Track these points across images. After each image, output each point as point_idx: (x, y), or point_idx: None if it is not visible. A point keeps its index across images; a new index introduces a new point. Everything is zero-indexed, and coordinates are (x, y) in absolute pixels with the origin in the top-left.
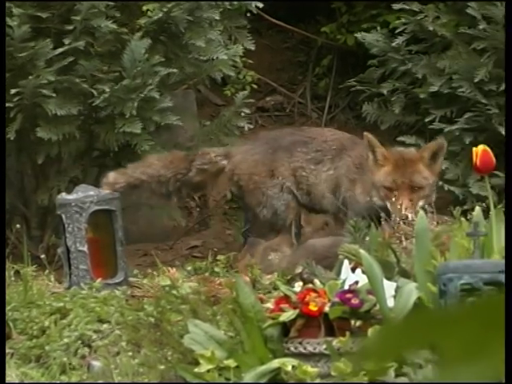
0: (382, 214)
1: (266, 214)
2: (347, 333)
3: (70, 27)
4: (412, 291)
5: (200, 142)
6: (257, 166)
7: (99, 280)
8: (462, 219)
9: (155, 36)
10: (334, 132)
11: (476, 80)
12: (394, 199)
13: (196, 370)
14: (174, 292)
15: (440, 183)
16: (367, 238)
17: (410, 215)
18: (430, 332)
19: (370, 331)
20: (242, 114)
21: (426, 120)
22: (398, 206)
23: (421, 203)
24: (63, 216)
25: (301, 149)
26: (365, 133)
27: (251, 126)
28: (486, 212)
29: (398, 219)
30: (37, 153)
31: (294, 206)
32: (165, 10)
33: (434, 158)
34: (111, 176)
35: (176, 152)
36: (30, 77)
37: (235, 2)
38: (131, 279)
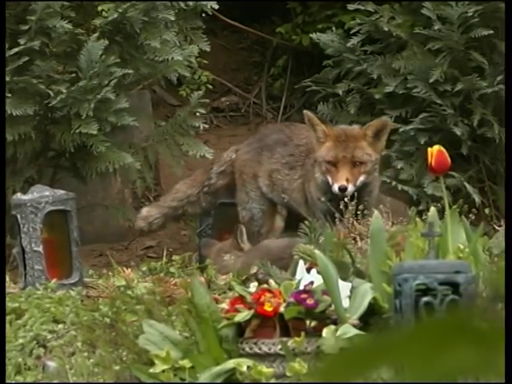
0: (337, 215)
1: (245, 216)
2: (302, 333)
3: (25, 27)
4: (367, 291)
5: (155, 143)
6: (246, 165)
7: (54, 280)
8: (417, 219)
9: (111, 36)
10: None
11: (431, 80)
12: (334, 173)
13: (151, 370)
14: (129, 292)
15: (394, 183)
16: (322, 239)
17: (349, 187)
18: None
19: (324, 331)
20: (197, 114)
21: None
22: (337, 179)
23: (361, 178)
24: (18, 216)
25: (280, 149)
26: (304, 111)
27: (206, 126)
28: (441, 212)
29: (336, 189)
30: None
31: (270, 213)
32: (120, 10)
33: (378, 136)
34: (144, 210)
35: (198, 170)
36: None
37: (190, 3)
38: (86, 279)
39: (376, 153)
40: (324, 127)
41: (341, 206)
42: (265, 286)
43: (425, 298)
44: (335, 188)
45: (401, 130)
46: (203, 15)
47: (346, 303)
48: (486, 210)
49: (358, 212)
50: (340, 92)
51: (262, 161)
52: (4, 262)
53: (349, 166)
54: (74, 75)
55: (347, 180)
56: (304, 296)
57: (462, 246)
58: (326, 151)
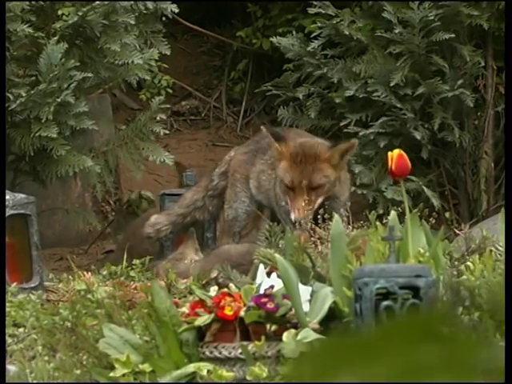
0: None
1: (229, 214)
2: (263, 337)
3: None
4: (327, 295)
5: (115, 147)
6: (240, 165)
7: (14, 284)
8: (378, 223)
9: (71, 40)
10: (298, 135)
11: (392, 84)
12: (291, 198)
13: (111, 374)
14: (90, 296)
15: (353, 188)
16: (282, 243)
17: (302, 220)
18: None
19: (285, 335)
20: (158, 119)
21: (342, 124)
22: (294, 208)
23: (320, 200)
24: None
25: (271, 151)
26: (261, 126)
27: (167, 132)
28: (401, 216)
29: (292, 219)
30: None
31: (253, 217)
32: (80, 13)
33: (342, 156)
34: (153, 218)
35: (203, 176)
36: None
37: (150, 6)
38: (47, 283)
39: (335, 170)
40: (277, 146)
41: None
42: (225, 290)
43: (385, 302)
44: (291, 217)
45: (361, 133)
46: (163, 19)
47: (306, 307)
48: (447, 214)
49: (319, 216)
50: (300, 96)
51: (255, 163)
52: (4, 262)
53: (305, 191)
54: (33, 79)
55: (303, 207)
56: (264, 300)
57: (422, 250)
58: (283, 172)
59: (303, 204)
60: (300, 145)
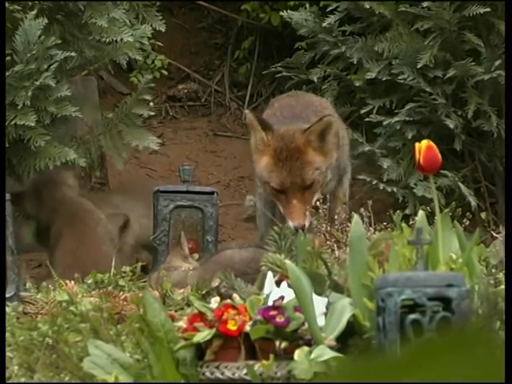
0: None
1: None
2: (271, 355)
3: None
4: (345, 308)
5: (98, 135)
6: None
7: None
8: (404, 225)
9: (51, 15)
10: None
11: (419, 65)
12: (284, 202)
13: None
14: (73, 308)
15: (378, 184)
16: (294, 247)
17: (307, 222)
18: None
19: (296, 354)
20: (151, 104)
21: (362, 111)
22: (291, 214)
23: (316, 196)
24: None
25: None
26: (246, 110)
27: (152, 113)
28: (430, 217)
29: (293, 228)
30: None
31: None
32: None
33: (323, 137)
34: (247, 198)
35: None
36: None
37: None
38: (23, 294)
39: (325, 157)
40: (264, 135)
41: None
42: (228, 301)
43: (412, 316)
44: (291, 226)
45: (385, 122)
46: None
47: (321, 321)
48: (483, 215)
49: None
50: (315, 78)
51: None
52: (4, 262)
53: (300, 192)
54: (8, 59)
55: (301, 210)
56: (273, 313)
57: (454, 256)
58: (267, 173)
59: (300, 207)
60: (281, 137)
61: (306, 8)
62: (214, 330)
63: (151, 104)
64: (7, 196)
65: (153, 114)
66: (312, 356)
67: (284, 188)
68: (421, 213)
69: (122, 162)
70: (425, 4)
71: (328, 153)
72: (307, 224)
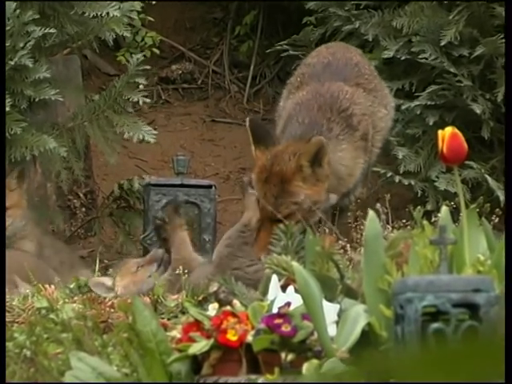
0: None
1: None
2: (276, 369)
3: None
4: (360, 315)
5: (83, 122)
6: None
7: None
8: (425, 222)
9: None
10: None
11: (443, 43)
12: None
13: None
14: (53, 316)
15: (393, 176)
16: (302, 247)
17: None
18: None
19: (305, 367)
20: (141, 86)
21: None
22: (256, 241)
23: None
24: None
25: None
26: (247, 118)
27: (148, 101)
28: (455, 213)
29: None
30: None
31: None
32: None
33: (318, 162)
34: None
35: None
36: None
37: None
38: None
39: (315, 190)
40: (253, 149)
41: None
42: (228, 308)
43: (434, 325)
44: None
45: (403, 107)
46: None
47: (332, 331)
48: None
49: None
50: None
51: None
52: (4, 261)
53: (269, 223)
54: None
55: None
56: (278, 321)
57: (482, 257)
58: (255, 187)
59: (264, 238)
60: (271, 155)
61: None
62: (211, 341)
63: (141, 86)
64: None
65: (148, 101)
66: (322, 370)
67: (260, 215)
68: (444, 209)
69: (115, 157)
70: None
71: (320, 184)
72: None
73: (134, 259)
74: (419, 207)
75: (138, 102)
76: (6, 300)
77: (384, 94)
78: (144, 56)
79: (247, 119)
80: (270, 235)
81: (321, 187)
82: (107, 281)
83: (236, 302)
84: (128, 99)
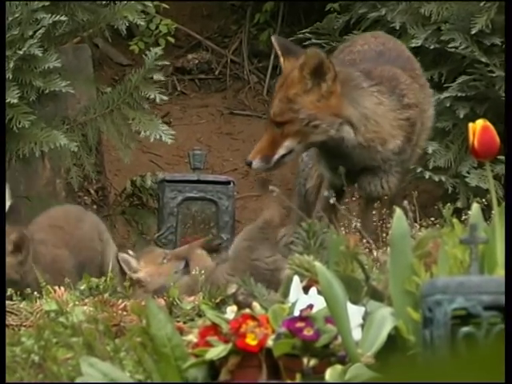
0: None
1: None
2: (298, 375)
3: None
4: (386, 319)
5: (97, 116)
6: None
7: None
8: (455, 220)
9: None
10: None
11: (473, 31)
12: None
13: None
14: (62, 319)
15: (423, 172)
16: (325, 247)
17: (254, 162)
18: None
19: (328, 373)
20: (155, 78)
21: None
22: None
23: (287, 144)
24: None
25: None
26: (273, 36)
27: (164, 98)
28: (486, 211)
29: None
30: None
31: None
32: None
33: (320, 76)
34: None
35: None
36: None
37: None
38: None
39: (321, 103)
40: (282, 60)
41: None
42: (247, 310)
43: (465, 328)
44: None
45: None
46: None
47: (357, 334)
48: None
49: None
50: None
51: None
52: (4, 261)
53: (270, 127)
54: None
55: (263, 147)
56: (300, 325)
57: None
58: None
59: (261, 141)
60: (294, 65)
61: None
62: (230, 345)
63: (156, 77)
64: None
65: (165, 98)
66: (346, 376)
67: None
68: (475, 206)
69: (129, 155)
70: None
71: (324, 101)
72: (255, 164)
73: (161, 249)
74: (449, 204)
75: (154, 99)
76: (13, 302)
77: (429, 93)
78: (157, 44)
79: (273, 37)
80: (265, 139)
81: (324, 104)
82: (134, 262)
83: (256, 304)
84: (144, 95)
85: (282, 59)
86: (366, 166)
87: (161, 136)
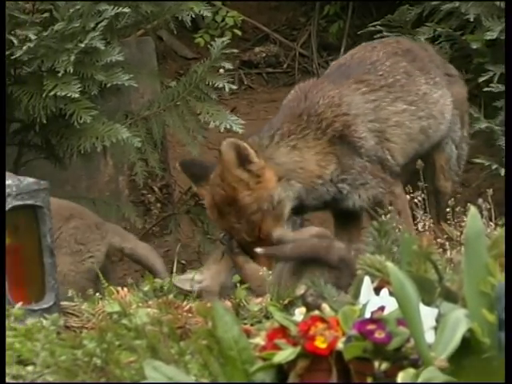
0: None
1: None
2: (369, 379)
3: None
4: (460, 321)
5: (161, 111)
6: None
7: (20, 304)
8: None
9: None
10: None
11: None
12: None
13: None
14: (125, 322)
15: (498, 169)
16: (397, 246)
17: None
18: None
19: (400, 376)
20: (221, 71)
21: (480, 80)
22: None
23: (278, 232)
24: None
25: None
26: (177, 163)
27: (234, 87)
28: None
29: None
30: None
31: None
32: None
33: (245, 161)
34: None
35: None
36: None
37: None
38: (65, 303)
39: (263, 182)
40: (196, 191)
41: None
42: (316, 312)
43: None
44: None
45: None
46: None
47: (430, 337)
48: None
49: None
50: (422, 39)
51: None
52: (4, 261)
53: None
54: (47, 16)
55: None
56: (371, 327)
57: None
58: None
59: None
60: (210, 187)
61: None
62: (298, 349)
63: (221, 70)
64: (44, 184)
65: (234, 87)
66: (419, 380)
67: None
68: None
69: (197, 148)
70: None
71: (263, 178)
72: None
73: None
74: None
75: (223, 88)
76: (74, 304)
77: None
78: (223, 36)
79: (178, 164)
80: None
81: (266, 181)
82: (189, 275)
83: (325, 306)
84: (212, 85)
85: (195, 188)
86: (337, 198)
87: (231, 126)
